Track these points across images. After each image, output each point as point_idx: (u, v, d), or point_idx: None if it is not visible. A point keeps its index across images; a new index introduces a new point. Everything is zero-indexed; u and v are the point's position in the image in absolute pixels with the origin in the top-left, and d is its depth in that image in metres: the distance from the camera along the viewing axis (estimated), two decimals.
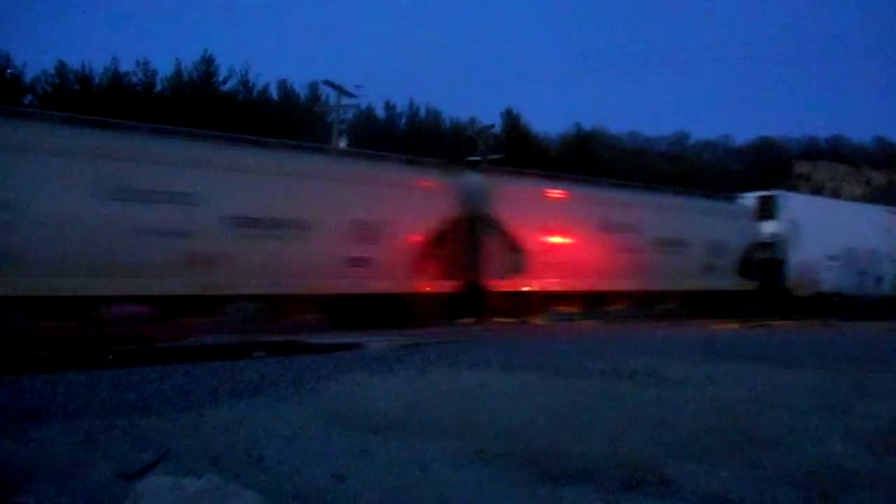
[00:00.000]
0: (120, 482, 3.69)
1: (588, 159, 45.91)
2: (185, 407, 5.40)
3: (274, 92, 40.36)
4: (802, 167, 76.39)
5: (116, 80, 33.44)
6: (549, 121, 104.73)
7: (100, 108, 23.81)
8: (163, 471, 3.83)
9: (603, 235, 16.57)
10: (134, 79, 34.29)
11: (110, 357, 8.21)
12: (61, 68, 32.99)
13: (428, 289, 14.26)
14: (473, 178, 15.81)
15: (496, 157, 33.68)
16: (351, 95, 31.06)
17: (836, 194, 68.23)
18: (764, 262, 20.27)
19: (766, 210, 20.88)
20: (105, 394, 5.84)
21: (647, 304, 18.42)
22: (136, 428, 4.73)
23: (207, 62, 35.81)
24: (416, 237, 14.13)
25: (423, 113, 46.16)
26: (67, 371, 6.92)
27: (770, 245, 20.55)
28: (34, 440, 4.41)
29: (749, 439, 4.63)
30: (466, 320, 15.02)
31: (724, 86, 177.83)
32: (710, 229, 18.95)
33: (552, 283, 15.91)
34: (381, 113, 45.66)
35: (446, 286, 14.44)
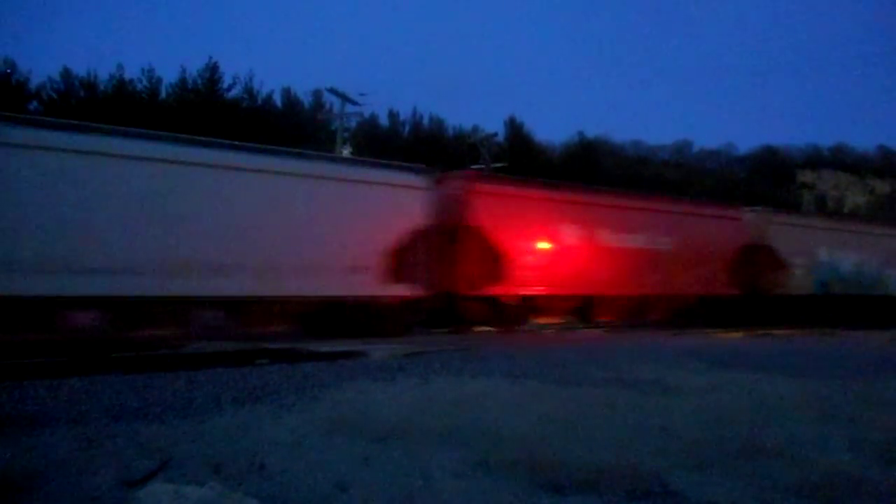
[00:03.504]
0: (122, 489, 3.68)
1: (591, 168, 45.95)
2: (188, 414, 5.39)
3: (278, 99, 40.58)
4: (806, 176, 76.39)
5: (121, 87, 33.58)
6: (552, 129, 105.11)
7: (105, 116, 23.91)
8: (165, 478, 3.81)
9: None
10: (139, 86, 34.46)
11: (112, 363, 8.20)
12: (66, 75, 33.16)
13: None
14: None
15: (499, 165, 33.73)
16: (354, 103, 31.10)
17: (839, 203, 68.28)
18: None
19: None
20: (107, 400, 5.84)
21: None
22: (139, 435, 4.72)
23: (212, 69, 35.97)
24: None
25: (426, 121, 46.32)
26: (70, 377, 6.91)
27: None
28: (36, 446, 4.39)
29: (754, 449, 4.60)
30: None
31: (728, 94, 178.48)
32: None
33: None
34: (384, 121, 45.81)
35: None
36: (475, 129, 41.41)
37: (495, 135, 39.10)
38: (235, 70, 43.86)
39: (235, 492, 3.64)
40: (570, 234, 16.66)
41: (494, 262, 15.13)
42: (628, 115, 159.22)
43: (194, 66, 36.93)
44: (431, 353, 9.47)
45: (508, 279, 15.29)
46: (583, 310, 17.29)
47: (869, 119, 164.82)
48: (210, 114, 31.76)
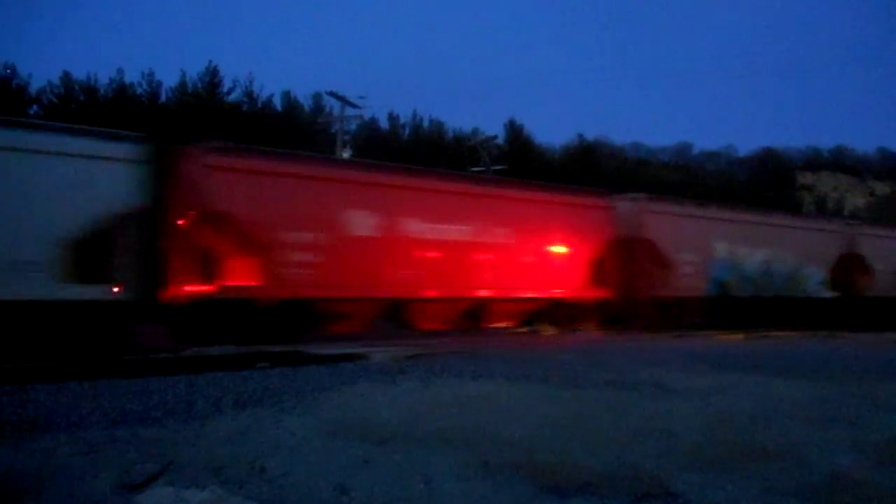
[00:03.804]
0: (123, 493, 3.68)
1: (591, 170, 45.98)
2: (188, 417, 5.39)
3: (278, 103, 40.66)
4: (806, 178, 76.54)
5: (121, 91, 33.64)
6: (551, 131, 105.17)
7: (105, 120, 23.94)
8: (165, 482, 3.81)
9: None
10: (139, 90, 34.54)
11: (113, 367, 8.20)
12: (66, 79, 33.21)
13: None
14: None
15: (499, 167, 33.77)
16: (354, 106, 31.19)
17: (839, 204, 68.34)
18: None
19: None
20: (107, 404, 5.83)
21: None
22: (139, 438, 4.72)
23: (212, 73, 36.09)
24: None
25: (426, 124, 46.43)
26: (70, 381, 6.91)
27: None
28: (37, 450, 4.39)
29: (756, 451, 4.60)
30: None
31: (728, 96, 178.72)
32: None
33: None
34: (384, 124, 45.94)
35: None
36: (475, 131, 41.54)
37: (495, 137, 39.22)
38: (235, 73, 43.96)
39: (236, 495, 3.64)
40: (363, 224, 13.55)
41: (247, 256, 12.21)
42: (628, 117, 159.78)
43: (194, 70, 37.09)
44: (432, 356, 9.46)
45: (269, 279, 12.32)
46: (393, 315, 14.39)
47: (869, 121, 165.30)
48: (210, 117, 31.81)
